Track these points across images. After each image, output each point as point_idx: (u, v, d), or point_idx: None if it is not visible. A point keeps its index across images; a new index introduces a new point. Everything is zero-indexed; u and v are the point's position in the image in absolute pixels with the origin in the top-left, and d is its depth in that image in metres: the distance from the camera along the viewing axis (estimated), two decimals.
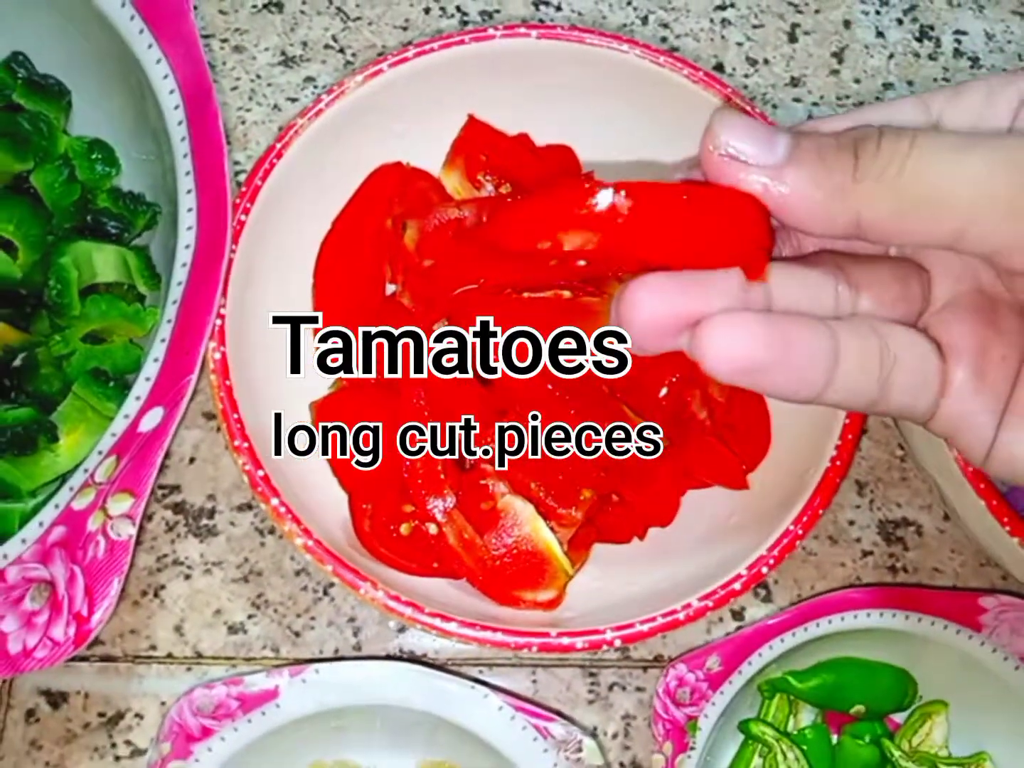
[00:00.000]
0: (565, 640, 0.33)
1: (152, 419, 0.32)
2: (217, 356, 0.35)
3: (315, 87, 0.54)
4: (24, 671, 0.29)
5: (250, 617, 0.42)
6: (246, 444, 0.34)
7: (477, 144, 0.44)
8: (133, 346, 0.42)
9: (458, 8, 0.57)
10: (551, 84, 0.45)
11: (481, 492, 0.37)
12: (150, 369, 0.34)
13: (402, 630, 0.42)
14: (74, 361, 0.41)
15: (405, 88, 0.43)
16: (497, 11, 0.57)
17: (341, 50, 0.55)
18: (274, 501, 0.34)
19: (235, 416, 0.35)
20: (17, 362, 0.41)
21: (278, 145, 0.40)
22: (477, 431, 0.38)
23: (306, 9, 0.56)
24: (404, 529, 0.37)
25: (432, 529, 0.36)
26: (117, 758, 0.40)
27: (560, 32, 0.43)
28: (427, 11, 0.56)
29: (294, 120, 0.40)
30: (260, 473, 0.34)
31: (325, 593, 0.42)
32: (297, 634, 0.42)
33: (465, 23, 0.56)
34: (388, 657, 0.41)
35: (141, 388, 0.33)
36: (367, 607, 0.42)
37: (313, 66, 0.54)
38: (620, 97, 0.44)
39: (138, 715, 0.40)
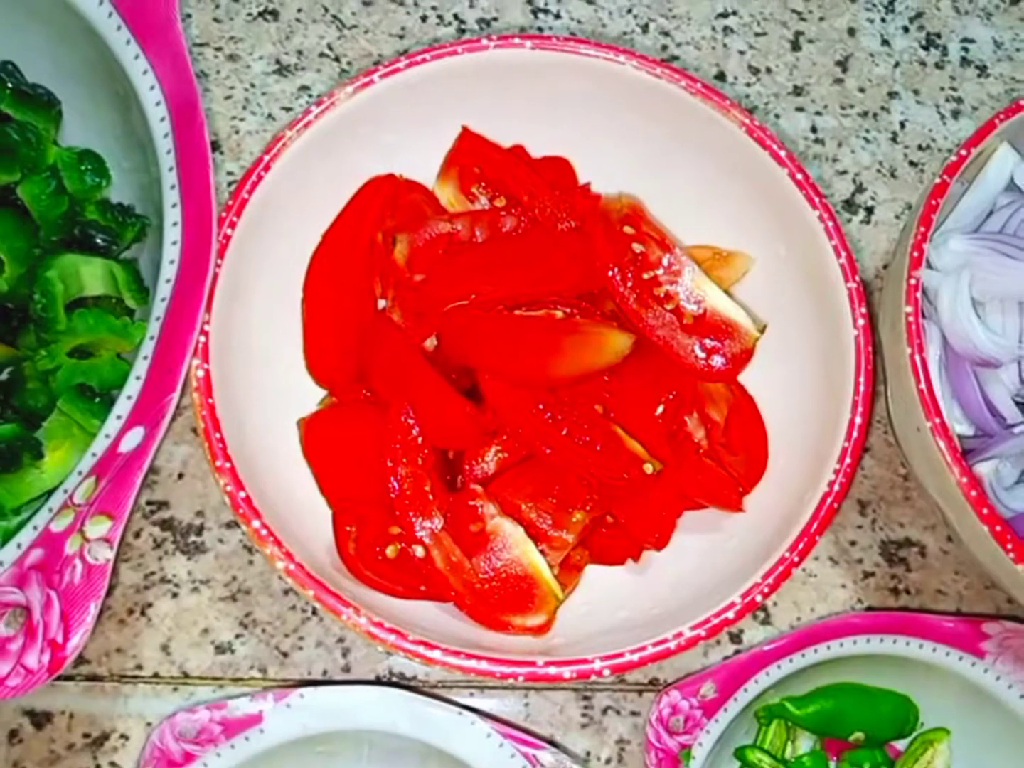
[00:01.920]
0: (552, 670, 0.32)
1: (133, 439, 0.32)
2: (200, 374, 0.35)
3: (310, 96, 0.53)
4: None
5: (238, 637, 0.41)
6: (228, 464, 0.34)
7: (471, 156, 0.43)
8: (120, 361, 0.42)
9: (455, 16, 0.56)
10: (547, 95, 0.44)
11: (470, 513, 0.36)
12: (132, 387, 0.33)
13: (392, 653, 0.41)
14: (60, 376, 0.41)
15: (397, 99, 0.42)
16: (495, 19, 0.56)
17: (336, 59, 0.54)
18: (255, 523, 0.33)
19: (217, 435, 0.34)
20: (3, 377, 0.41)
21: (266, 157, 0.39)
22: (468, 452, 0.37)
23: (302, 17, 0.55)
24: (390, 551, 0.36)
25: (419, 551, 0.36)
26: None
27: (555, 43, 0.42)
28: (424, 19, 0.56)
29: (282, 132, 0.40)
30: (242, 494, 0.33)
31: (314, 613, 0.42)
32: (285, 654, 0.41)
33: (463, 31, 0.55)
34: (377, 681, 0.40)
35: (122, 407, 0.33)
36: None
37: (308, 75, 0.54)
38: (617, 108, 0.43)
39: (123, 736, 0.40)
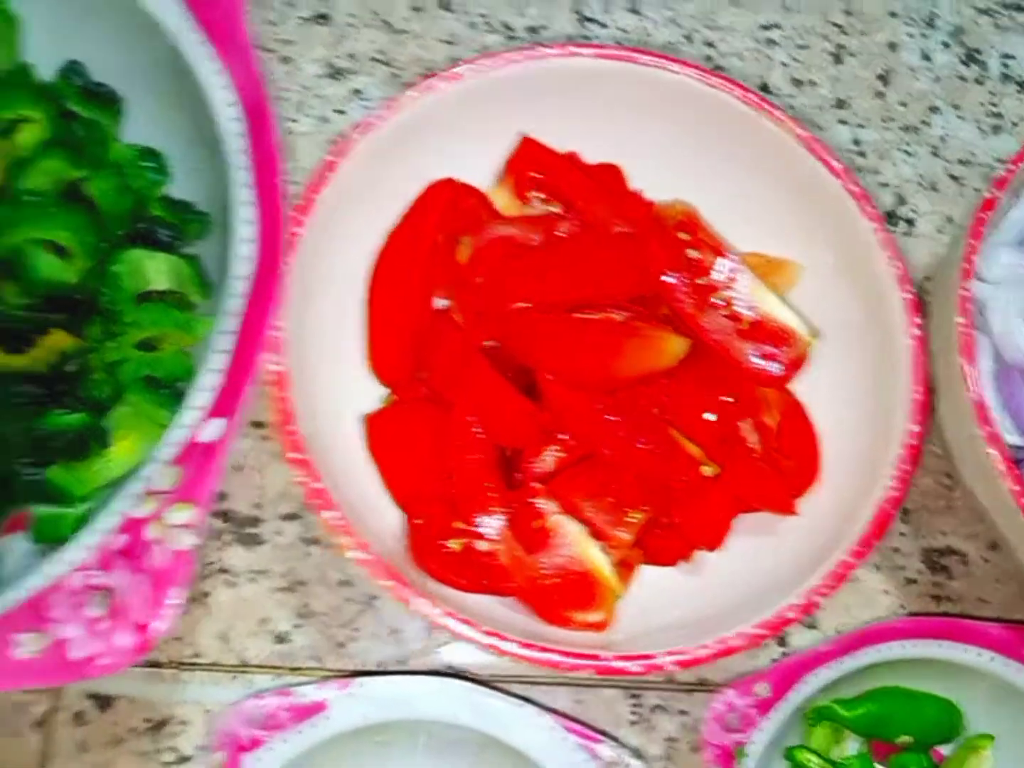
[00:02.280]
0: (621, 664, 0.33)
1: (212, 430, 0.33)
2: (274, 367, 0.36)
3: (362, 99, 0.54)
4: (85, 678, 0.29)
5: (295, 627, 0.42)
6: (303, 456, 0.34)
7: (529, 163, 0.44)
8: (184, 354, 0.42)
9: (504, 24, 0.57)
10: (602, 102, 0.45)
11: (531, 511, 0.37)
12: (210, 380, 0.34)
13: (445, 644, 0.42)
14: (126, 368, 0.41)
15: (457, 104, 0.43)
16: (543, 27, 0.57)
17: (388, 63, 0.55)
18: (331, 514, 0.34)
19: (292, 428, 0.35)
20: (70, 367, 0.42)
21: (332, 159, 0.40)
22: (527, 450, 0.38)
23: (353, 21, 0.56)
24: (454, 545, 0.37)
25: (483, 546, 0.36)
26: (163, 763, 0.40)
27: (614, 52, 0.43)
28: (473, 26, 0.57)
29: (347, 134, 0.41)
30: (317, 486, 0.34)
31: (370, 604, 0.42)
32: (341, 645, 0.42)
33: (511, 39, 0.56)
34: (435, 672, 0.41)
35: (201, 399, 0.34)
36: (411, 620, 0.42)
37: (360, 78, 0.55)
38: (670, 116, 0.44)
39: (183, 722, 0.40)
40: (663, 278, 0.39)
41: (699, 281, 0.40)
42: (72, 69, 0.46)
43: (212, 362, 0.35)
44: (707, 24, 0.58)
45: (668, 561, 0.40)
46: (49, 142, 0.44)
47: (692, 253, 0.40)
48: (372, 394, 0.41)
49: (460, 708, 0.35)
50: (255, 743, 0.35)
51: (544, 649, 0.33)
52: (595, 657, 0.33)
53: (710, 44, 0.58)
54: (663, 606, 0.38)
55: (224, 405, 0.33)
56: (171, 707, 0.41)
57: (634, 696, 0.42)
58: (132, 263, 0.42)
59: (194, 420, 0.34)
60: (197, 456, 0.32)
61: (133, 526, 0.31)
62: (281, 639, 0.42)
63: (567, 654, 0.33)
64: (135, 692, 0.41)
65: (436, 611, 0.33)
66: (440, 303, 0.43)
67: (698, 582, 0.39)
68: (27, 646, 0.29)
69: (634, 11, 0.58)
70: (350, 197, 0.41)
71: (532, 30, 0.57)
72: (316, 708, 0.35)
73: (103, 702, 0.40)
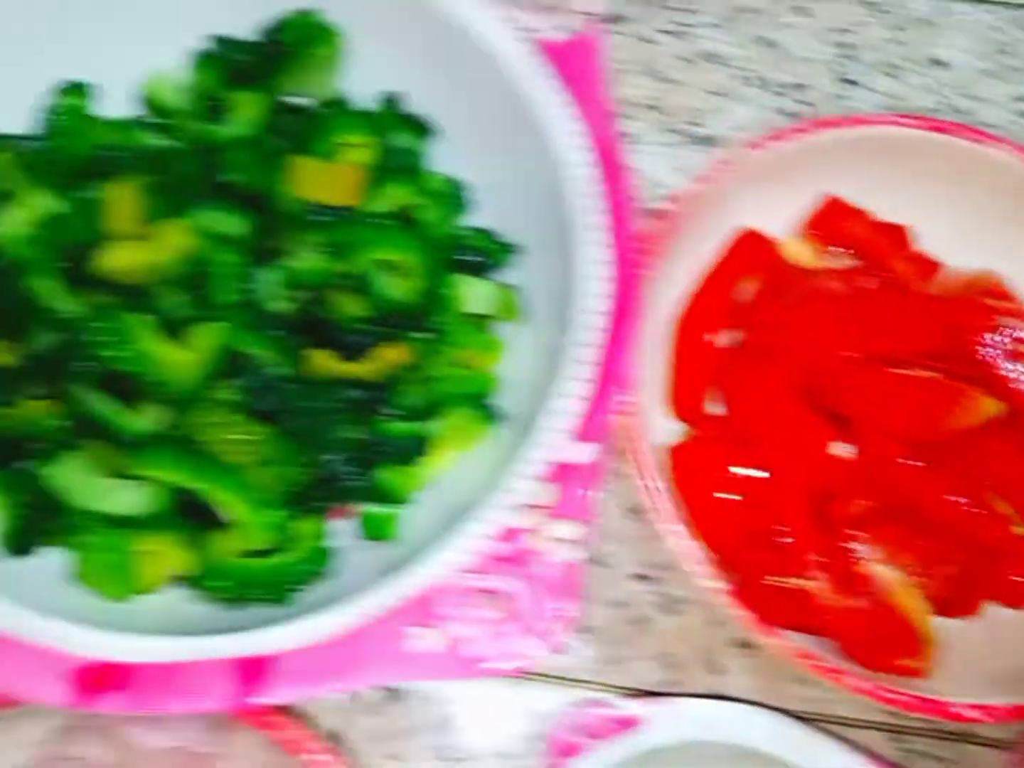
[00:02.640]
0: (965, 711, 0.35)
1: (584, 453, 0.35)
2: (630, 400, 0.38)
3: (635, 143, 0.57)
4: (472, 678, 0.32)
5: (575, 641, 0.44)
6: (655, 485, 0.37)
7: (832, 219, 0.46)
8: (490, 375, 0.46)
9: (767, 79, 0.59)
10: (900, 166, 0.47)
11: (848, 555, 0.39)
12: (578, 406, 0.36)
13: (717, 671, 0.44)
14: (444, 383, 0.45)
15: (767, 164, 0.46)
16: (803, 85, 0.59)
17: (657, 108, 0.58)
18: (687, 544, 0.36)
19: (647, 459, 0.37)
20: (396, 378, 0.45)
21: (672, 208, 0.43)
22: (839, 495, 0.40)
23: (625, 68, 0.59)
24: (773, 582, 0.39)
25: (800, 585, 0.38)
26: (449, 760, 0.42)
27: (919, 122, 0.46)
28: (736, 79, 0.59)
29: (688, 186, 0.44)
30: (665, 508, 0.36)
31: (646, 625, 0.44)
32: (619, 663, 0.44)
33: (778, 94, 0.59)
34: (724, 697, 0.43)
35: (570, 422, 0.36)
36: (683, 643, 0.44)
37: (632, 123, 0.58)
38: (974, 187, 0.46)
39: (470, 721, 0.43)
40: (980, 341, 0.41)
41: (1012, 346, 0.41)
42: (392, 99, 0.50)
43: (570, 388, 0.37)
44: (963, 93, 0.60)
45: (956, 614, 0.41)
46: (383, 168, 0.47)
47: (1002, 319, 0.42)
48: (664, 428, 0.43)
49: (771, 737, 0.37)
50: (578, 749, 0.37)
51: (896, 692, 0.35)
52: (941, 703, 0.35)
53: (966, 112, 0.59)
54: (968, 656, 0.39)
55: (591, 431, 0.36)
56: (461, 705, 0.43)
57: (895, 740, 0.44)
58: (455, 286, 0.46)
59: (554, 442, 0.36)
60: (573, 476, 0.34)
61: (517, 536, 0.34)
62: (559, 652, 0.44)
63: (916, 697, 0.35)
64: (427, 688, 0.43)
65: (786, 645, 0.35)
66: (736, 346, 0.45)
67: (994, 635, 0.40)
68: (420, 640, 0.32)
69: (891, 76, 0.60)
70: (676, 244, 0.43)
71: (794, 87, 0.60)
72: (633, 722, 0.38)
73: (398, 695, 0.43)
